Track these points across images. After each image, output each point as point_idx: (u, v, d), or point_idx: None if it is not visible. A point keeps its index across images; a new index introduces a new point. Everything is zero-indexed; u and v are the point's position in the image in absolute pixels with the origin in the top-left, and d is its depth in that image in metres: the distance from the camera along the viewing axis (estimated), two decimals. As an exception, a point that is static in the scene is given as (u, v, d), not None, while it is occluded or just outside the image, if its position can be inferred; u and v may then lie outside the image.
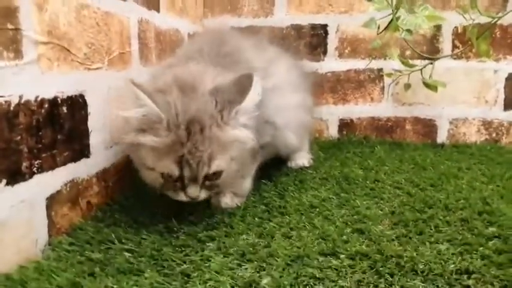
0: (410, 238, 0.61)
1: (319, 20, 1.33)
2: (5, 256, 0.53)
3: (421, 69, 1.20)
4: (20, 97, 0.55)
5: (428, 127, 1.32)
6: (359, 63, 1.32)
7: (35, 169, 0.58)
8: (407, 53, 1.27)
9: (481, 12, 1.02)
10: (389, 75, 1.27)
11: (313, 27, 1.33)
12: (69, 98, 0.66)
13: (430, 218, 0.69)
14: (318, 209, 0.73)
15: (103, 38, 0.76)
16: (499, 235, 0.62)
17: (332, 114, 1.36)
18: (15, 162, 0.54)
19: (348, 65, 1.33)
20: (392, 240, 0.61)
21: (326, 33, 1.33)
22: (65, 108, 0.65)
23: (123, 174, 0.84)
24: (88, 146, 0.72)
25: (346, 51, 1.33)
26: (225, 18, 1.36)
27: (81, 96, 0.69)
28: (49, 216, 0.61)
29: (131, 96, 0.62)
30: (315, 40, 1.34)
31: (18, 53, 0.54)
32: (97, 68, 0.74)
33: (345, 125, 1.35)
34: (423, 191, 0.82)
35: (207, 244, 0.59)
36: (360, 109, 1.34)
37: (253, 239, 0.61)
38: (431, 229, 0.64)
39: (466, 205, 0.74)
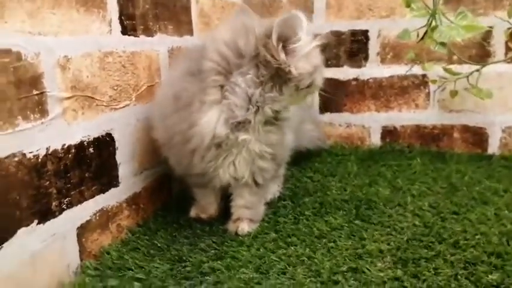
0: (401, 282, 0.62)
1: (359, 25, 1.30)
2: (39, 280, 0.64)
3: (467, 76, 1.13)
4: (47, 149, 0.65)
5: (478, 135, 1.24)
6: (402, 69, 1.27)
7: (64, 206, 0.68)
8: (456, 57, 1.19)
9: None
10: (433, 81, 1.21)
11: (354, 33, 1.31)
12: (96, 139, 0.75)
13: (434, 256, 0.68)
14: (324, 240, 0.76)
15: (129, 77, 0.84)
16: (497, 284, 0.60)
17: (374, 122, 1.33)
18: (45, 204, 0.65)
19: (391, 70, 1.29)
20: (384, 282, 0.62)
21: (367, 38, 1.30)
22: (91, 149, 0.74)
23: (155, 195, 0.93)
24: (117, 176, 0.81)
25: (389, 56, 1.29)
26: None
27: (108, 135, 0.78)
28: (80, 243, 0.72)
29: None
30: (355, 46, 1.31)
31: (43, 113, 0.64)
32: (124, 106, 0.82)
33: (388, 132, 1.33)
34: (443, 220, 0.81)
35: (206, 278, 0.65)
36: (404, 116, 1.30)
37: (250, 273, 0.66)
38: (429, 271, 0.64)
39: (480, 242, 0.72)
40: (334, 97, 1.33)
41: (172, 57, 0.98)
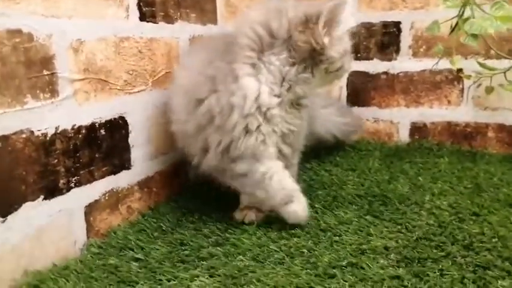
0: (401, 281, 0.59)
1: (391, 17, 1.25)
2: (44, 254, 0.67)
3: (504, 72, 1.06)
4: (56, 128, 0.67)
5: (515, 136, 1.16)
6: (434, 63, 1.21)
7: (72, 184, 0.71)
8: (493, 51, 1.12)
9: None
10: (468, 77, 1.14)
11: (385, 24, 1.26)
12: (108, 121, 0.77)
13: (443, 257, 0.64)
14: (329, 233, 0.74)
15: (146, 63, 0.85)
16: (506, 291, 0.56)
17: (403, 117, 1.28)
18: (53, 181, 0.67)
19: (423, 64, 1.23)
20: (382, 280, 0.59)
21: (399, 30, 1.25)
22: (103, 131, 0.76)
23: (170, 180, 0.95)
24: (129, 159, 0.83)
25: (421, 50, 1.23)
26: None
27: (122, 118, 0.80)
28: (87, 221, 0.74)
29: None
30: (386, 38, 1.26)
31: (54, 93, 0.66)
32: (139, 91, 0.84)
33: (417, 129, 1.27)
34: (461, 221, 0.76)
35: (203, 262, 0.66)
36: (435, 112, 1.24)
37: (247, 261, 0.66)
38: (434, 272, 0.61)
39: (496, 245, 0.67)
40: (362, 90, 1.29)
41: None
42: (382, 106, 1.30)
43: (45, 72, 0.64)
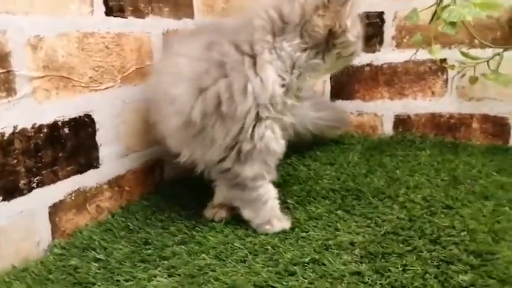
0: (362, 277, 0.58)
1: (374, 7, 1.23)
2: (3, 256, 0.66)
3: (487, 61, 1.04)
4: (15, 127, 0.66)
5: (499, 126, 1.14)
6: (419, 54, 1.19)
7: (33, 184, 0.70)
8: (477, 40, 1.10)
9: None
10: (451, 67, 1.12)
11: (368, 15, 1.24)
12: (72, 120, 0.76)
13: (408, 252, 0.63)
14: (297, 229, 0.72)
15: (114, 59, 0.84)
16: (467, 286, 0.54)
17: (387, 110, 1.26)
18: (12, 181, 0.66)
19: (406, 55, 1.21)
20: (342, 276, 0.58)
21: (382, 21, 1.23)
22: (66, 130, 0.75)
23: (144, 178, 0.93)
24: (97, 158, 0.82)
25: (405, 40, 1.21)
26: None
27: (87, 116, 0.79)
28: (52, 221, 0.73)
29: None
30: (370, 30, 1.24)
31: (10, 91, 0.65)
32: (107, 88, 0.82)
33: (401, 121, 1.25)
34: (432, 215, 0.74)
35: (164, 262, 0.64)
36: (419, 104, 1.22)
37: (209, 259, 0.64)
38: (397, 267, 0.59)
39: (464, 239, 0.65)
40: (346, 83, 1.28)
41: (168, 40, 0.97)
42: (366, 99, 1.28)
43: (0, 70, 0.63)
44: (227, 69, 0.68)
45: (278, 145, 0.72)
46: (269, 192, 0.74)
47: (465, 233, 0.67)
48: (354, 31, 0.71)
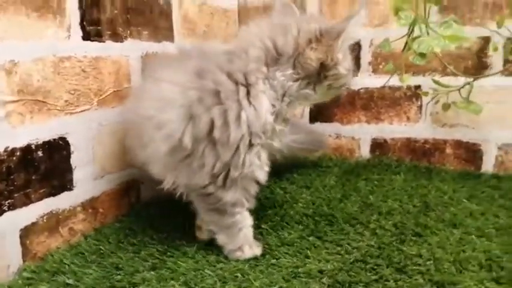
0: (327, 307, 0.59)
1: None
2: (-27, 281, 0.65)
3: (458, 89, 1.07)
4: (-14, 151, 0.66)
5: (471, 152, 1.17)
6: (394, 80, 1.22)
7: (5, 208, 0.69)
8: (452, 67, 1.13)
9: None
10: (425, 94, 1.16)
11: (346, 41, 1.26)
12: (46, 142, 0.76)
13: (374, 281, 0.64)
14: (268, 256, 0.73)
15: (91, 82, 0.84)
16: (428, 317, 0.56)
17: (364, 134, 1.28)
18: (-19, 205, 0.66)
19: (382, 81, 1.23)
20: (309, 306, 0.59)
21: (359, 47, 1.26)
22: (40, 153, 0.75)
23: (119, 200, 0.93)
24: (71, 180, 0.82)
25: (380, 66, 1.24)
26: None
27: (62, 138, 0.79)
28: (23, 244, 0.73)
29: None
30: (347, 55, 1.27)
31: (-17, 115, 0.65)
32: (82, 111, 0.83)
33: (378, 145, 1.27)
34: (401, 242, 0.76)
35: (133, 288, 0.65)
36: (394, 129, 1.25)
37: (178, 286, 0.65)
38: (362, 297, 0.60)
39: (430, 268, 0.67)
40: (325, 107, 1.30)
41: (148, 64, 0.98)
42: (344, 122, 1.30)
43: (-28, 95, 0.64)
44: (221, 98, 0.69)
45: (262, 173, 0.74)
46: (245, 220, 0.75)
47: (431, 261, 0.69)
48: (345, 64, 0.73)
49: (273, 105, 0.71)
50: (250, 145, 0.70)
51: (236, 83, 0.69)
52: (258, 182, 0.74)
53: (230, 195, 0.72)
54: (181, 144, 0.69)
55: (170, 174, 0.74)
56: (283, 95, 0.72)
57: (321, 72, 0.71)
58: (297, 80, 0.71)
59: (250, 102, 0.69)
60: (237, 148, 0.69)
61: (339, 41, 0.70)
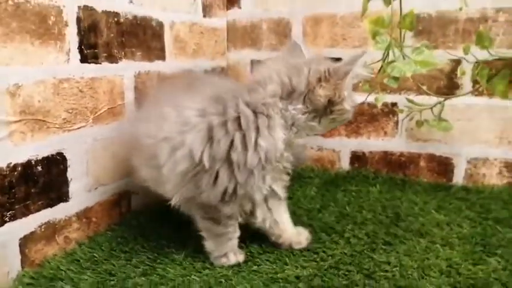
0: (301, 309, 0.65)
1: (333, 53, 1.34)
2: (-24, 286, 0.71)
3: (431, 108, 1.15)
4: (-9, 167, 0.72)
5: (443, 165, 1.25)
6: (372, 97, 1.30)
7: (6, 219, 0.75)
8: (425, 87, 1.21)
9: (490, 52, 0.96)
10: (400, 111, 1.24)
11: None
12: (45, 158, 0.82)
13: (345, 286, 0.71)
14: (250, 263, 0.80)
15: (87, 101, 0.91)
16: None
17: (344, 146, 1.36)
18: (-14, 217, 0.72)
19: (362, 98, 1.32)
20: (284, 308, 0.66)
21: (340, 66, 1.34)
22: (39, 168, 0.81)
23: (111, 210, 1.00)
24: (67, 192, 0.88)
25: (360, 84, 1.32)
26: (246, 51, 1.45)
27: (59, 154, 0.85)
28: (22, 252, 0.78)
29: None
30: (329, 73, 1.35)
31: (-12, 134, 0.71)
32: (79, 128, 0.89)
33: (357, 157, 1.35)
34: (372, 250, 0.83)
35: (125, 293, 0.71)
36: (372, 143, 1.33)
37: None
38: (333, 300, 0.67)
39: (395, 274, 0.74)
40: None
41: (139, 85, 1.05)
42: (326, 135, 1.38)
43: (-21, 116, 0.70)
44: (242, 125, 0.76)
45: (260, 194, 0.80)
46: (235, 232, 0.82)
47: (397, 268, 0.76)
48: (350, 100, 0.80)
49: (284, 134, 0.78)
50: (263, 169, 0.77)
51: (255, 112, 0.77)
52: (253, 201, 0.82)
53: (228, 209, 0.79)
54: (200, 163, 0.76)
55: (181, 192, 0.80)
56: (292, 125, 0.79)
57: (328, 107, 0.78)
58: (305, 113, 0.78)
59: (268, 132, 0.76)
60: (252, 171, 0.76)
61: (346, 80, 0.78)
